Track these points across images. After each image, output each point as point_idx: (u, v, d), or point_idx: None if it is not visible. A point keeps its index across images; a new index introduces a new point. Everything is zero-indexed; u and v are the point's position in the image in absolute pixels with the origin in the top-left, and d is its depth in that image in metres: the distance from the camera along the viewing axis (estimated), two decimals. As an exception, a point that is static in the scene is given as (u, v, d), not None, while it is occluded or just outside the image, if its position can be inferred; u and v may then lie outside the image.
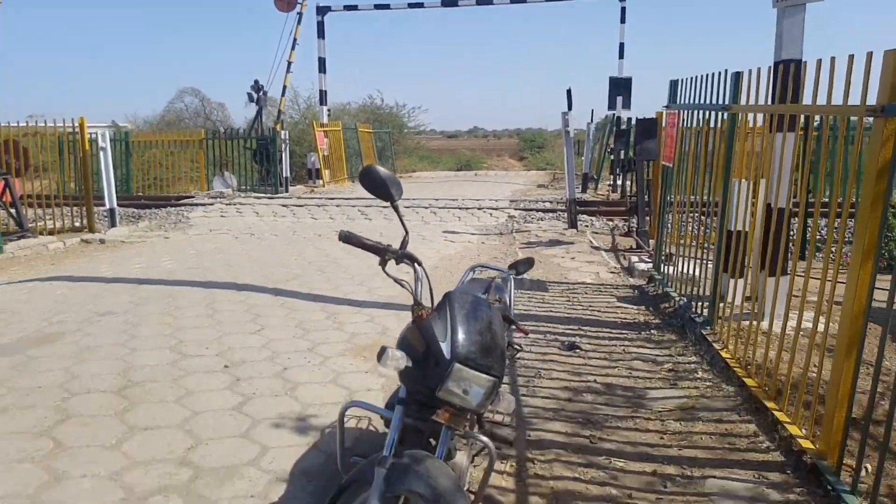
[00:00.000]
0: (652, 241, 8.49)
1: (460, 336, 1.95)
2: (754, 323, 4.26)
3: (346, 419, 2.34)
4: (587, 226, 10.48)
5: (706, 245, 5.38)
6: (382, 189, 2.23)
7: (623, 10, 18.83)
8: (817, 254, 6.77)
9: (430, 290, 2.17)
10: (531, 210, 12.18)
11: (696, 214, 5.61)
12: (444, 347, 1.94)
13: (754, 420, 3.58)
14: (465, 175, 23.84)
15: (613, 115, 18.23)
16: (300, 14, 18.83)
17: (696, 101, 5.42)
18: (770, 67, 4.53)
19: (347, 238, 2.18)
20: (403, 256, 2.19)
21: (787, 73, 4.27)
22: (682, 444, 3.34)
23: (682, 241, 5.71)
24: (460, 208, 12.44)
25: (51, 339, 4.84)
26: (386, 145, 24.42)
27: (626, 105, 18.35)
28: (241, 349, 4.71)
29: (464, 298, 2.05)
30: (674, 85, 6.25)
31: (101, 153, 10.55)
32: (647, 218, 8.49)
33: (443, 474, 1.88)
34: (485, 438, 2.07)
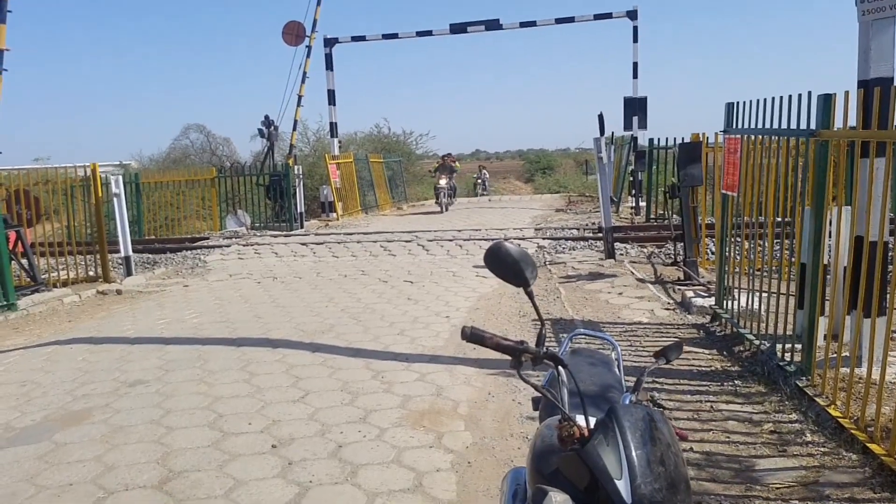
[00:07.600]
0: (703, 271, 8.04)
1: (641, 470, 1.50)
2: (858, 371, 3.81)
3: None
4: (623, 254, 10.02)
5: (789, 278, 4.92)
6: (514, 271, 1.81)
7: (635, 29, 18.53)
8: None
9: (581, 396, 1.72)
10: (560, 239, 11.74)
11: (778, 244, 5.15)
12: (622, 487, 1.49)
13: (894, 497, 3.10)
14: (480, 202, 23.40)
15: (631, 135, 17.88)
16: (309, 47, 18.55)
17: (766, 126, 5.00)
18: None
19: (472, 336, 1.75)
20: (543, 357, 1.76)
21: (880, 94, 3.86)
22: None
23: (758, 274, 5.23)
24: (485, 240, 11.99)
25: (78, 419, 4.40)
26: (395, 174, 24.06)
27: (643, 125, 18.03)
28: (287, 422, 4.25)
29: (634, 413, 1.60)
30: (730, 108, 5.84)
31: (115, 199, 10.20)
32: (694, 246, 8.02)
33: None
34: None
